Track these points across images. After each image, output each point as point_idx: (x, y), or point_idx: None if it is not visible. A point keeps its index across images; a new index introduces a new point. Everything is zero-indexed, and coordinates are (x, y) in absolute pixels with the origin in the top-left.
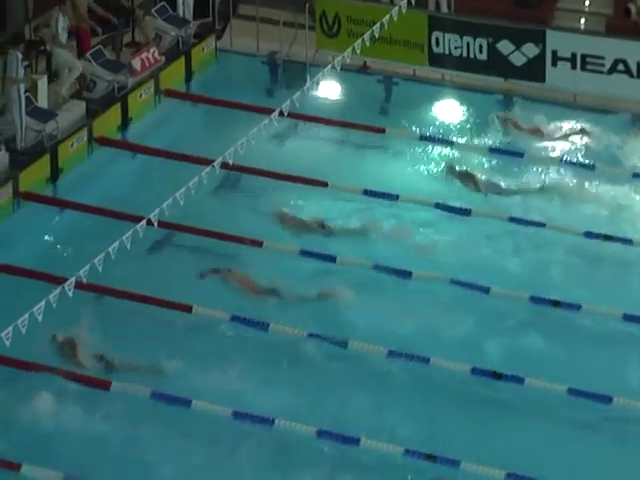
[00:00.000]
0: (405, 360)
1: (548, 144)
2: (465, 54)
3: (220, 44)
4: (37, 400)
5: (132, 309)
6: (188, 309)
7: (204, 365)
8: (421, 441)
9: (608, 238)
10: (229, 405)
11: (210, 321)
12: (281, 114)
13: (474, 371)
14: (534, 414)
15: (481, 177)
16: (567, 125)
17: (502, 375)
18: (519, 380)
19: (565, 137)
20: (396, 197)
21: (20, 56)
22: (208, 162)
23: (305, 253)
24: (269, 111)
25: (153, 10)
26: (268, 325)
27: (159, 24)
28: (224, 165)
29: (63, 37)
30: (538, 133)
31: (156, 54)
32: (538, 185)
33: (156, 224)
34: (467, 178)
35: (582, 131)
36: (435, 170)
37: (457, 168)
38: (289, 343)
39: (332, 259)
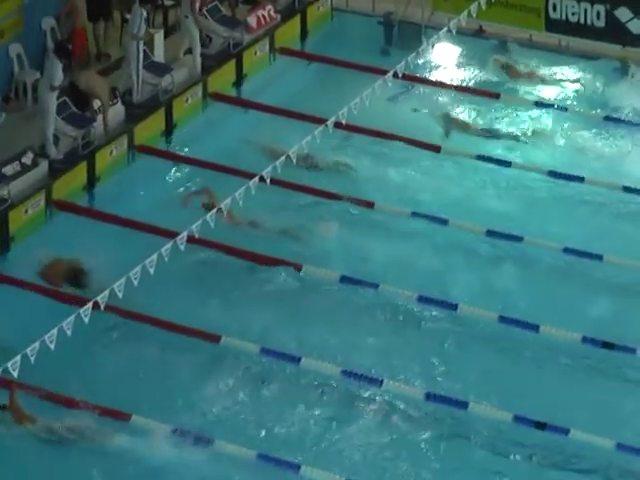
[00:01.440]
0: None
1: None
2: (582, 20)
3: (336, 3)
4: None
5: None
6: None
7: None
8: None
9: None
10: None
11: None
12: (395, 75)
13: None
14: None
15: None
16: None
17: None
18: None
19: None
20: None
21: (144, 13)
22: (321, 121)
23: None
24: (383, 72)
25: None
26: None
27: None
28: (337, 124)
29: None
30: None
31: (272, 12)
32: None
33: (268, 181)
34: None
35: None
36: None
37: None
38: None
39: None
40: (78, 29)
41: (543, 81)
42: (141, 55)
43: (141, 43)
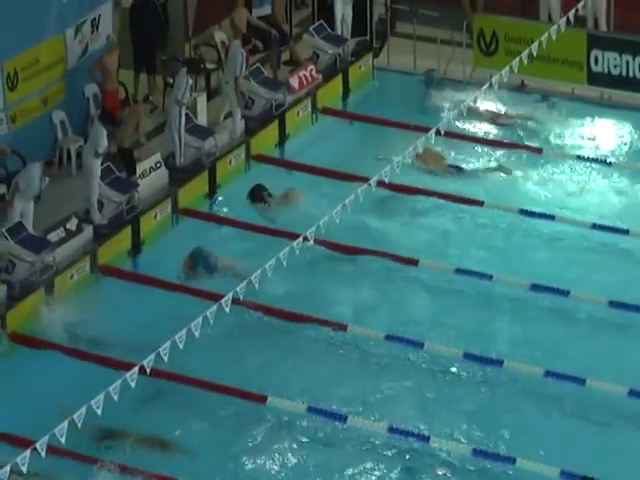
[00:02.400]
0: None
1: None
2: (624, 73)
3: (377, 62)
4: None
5: None
6: None
7: None
8: None
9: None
10: None
11: None
12: (437, 133)
13: None
14: None
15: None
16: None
17: None
18: None
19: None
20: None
21: (190, 80)
22: (364, 180)
23: None
24: (425, 130)
25: (311, 28)
26: None
27: (316, 42)
28: (380, 183)
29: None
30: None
31: (314, 72)
32: None
33: (312, 241)
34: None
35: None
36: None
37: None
38: None
39: None
40: (109, 91)
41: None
42: (183, 119)
43: (184, 108)
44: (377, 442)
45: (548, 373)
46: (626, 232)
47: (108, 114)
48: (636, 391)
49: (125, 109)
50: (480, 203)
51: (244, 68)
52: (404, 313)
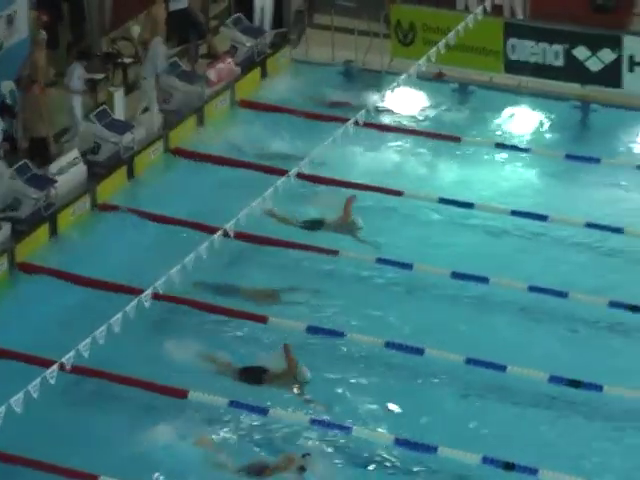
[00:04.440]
0: None
1: None
2: (541, 60)
3: (295, 54)
4: None
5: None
6: None
7: None
8: None
9: None
10: None
11: None
12: (356, 123)
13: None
14: None
15: None
16: None
17: None
18: None
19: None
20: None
21: (82, 70)
22: (284, 172)
23: None
24: (344, 120)
25: (228, 21)
26: None
27: (234, 35)
28: (300, 175)
29: None
30: None
31: (232, 65)
32: None
33: (232, 234)
34: None
35: None
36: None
37: None
38: None
39: None
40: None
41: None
42: (79, 110)
43: (77, 97)
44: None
45: (469, 360)
46: (544, 218)
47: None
48: (556, 376)
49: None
50: (400, 193)
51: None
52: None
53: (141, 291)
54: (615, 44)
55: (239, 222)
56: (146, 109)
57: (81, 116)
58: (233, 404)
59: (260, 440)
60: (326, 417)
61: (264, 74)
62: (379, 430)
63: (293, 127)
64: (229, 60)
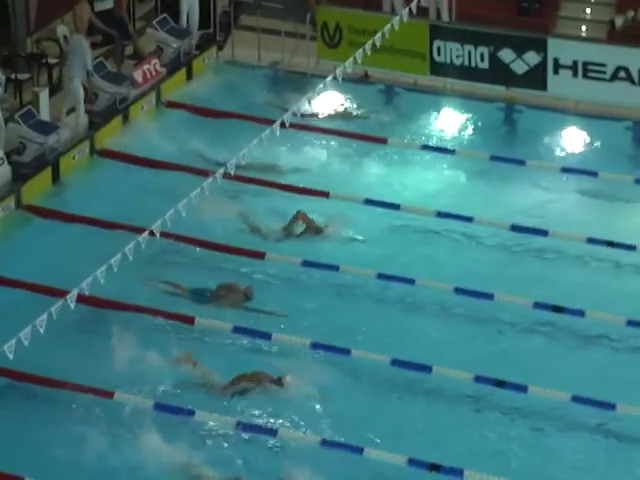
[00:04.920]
0: None
1: None
2: (466, 63)
3: (222, 55)
4: None
5: None
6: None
7: None
8: None
9: None
10: None
11: None
12: (282, 124)
13: None
14: None
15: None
16: None
17: None
18: None
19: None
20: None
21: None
22: (210, 173)
23: None
24: (270, 122)
25: (154, 22)
26: None
27: (160, 36)
28: (226, 175)
29: None
30: None
31: (157, 66)
32: None
33: (158, 234)
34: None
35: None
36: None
37: None
38: None
39: None
40: None
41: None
42: None
43: None
44: None
45: (395, 362)
46: (470, 219)
47: None
48: (481, 376)
49: None
50: (326, 194)
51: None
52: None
53: (66, 292)
54: (540, 47)
55: (165, 223)
56: (72, 110)
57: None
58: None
59: None
60: None
61: (190, 75)
62: (307, 433)
63: (219, 128)
64: (155, 61)
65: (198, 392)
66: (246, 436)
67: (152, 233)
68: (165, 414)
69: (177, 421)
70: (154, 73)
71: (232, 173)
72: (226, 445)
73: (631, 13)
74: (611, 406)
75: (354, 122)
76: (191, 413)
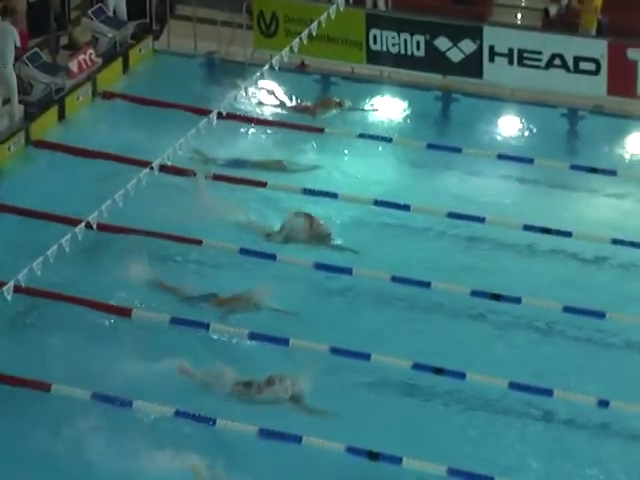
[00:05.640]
0: None
1: None
2: (403, 51)
3: (157, 45)
4: None
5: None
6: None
7: None
8: None
9: None
10: None
11: None
12: (219, 115)
13: None
14: None
15: None
16: None
17: None
18: None
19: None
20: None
21: None
22: (147, 164)
23: None
24: (207, 112)
25: (90, 12)
26: None
27: (95, 26)
28: (163, 167)
29: None
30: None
31: (93, 56)
32: None
33: (95, 226)
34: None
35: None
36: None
37: None
38: None
39: None
40: None
41: (367, 113)
42: None
43: None
44: None
45: (334, 350)
46: (407, 208)
47: None
48: (419, 364)
49: None
50: (264, 184)
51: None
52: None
53: (3, 283)
54: (476, 35)
55: (102, 213)
56: (7, 101)
57: None
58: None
59: None
60: None
61: (126, 65)
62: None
63: (155, 118)
64: (91, 51)
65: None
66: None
67: (89, 225)
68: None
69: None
70: (90, 63)
71: (169, 165)
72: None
73: (565, 1)
74: (549, 392)
75: (291, 111)
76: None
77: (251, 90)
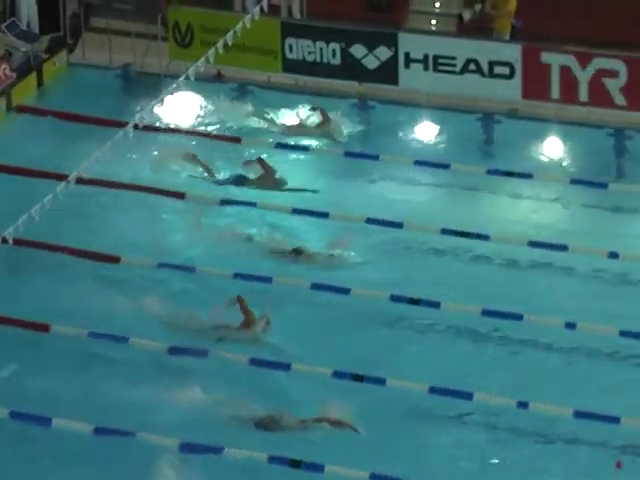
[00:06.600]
0: None
1: None
2: (319, 59)
3: (72, 58)
4: None
5: None
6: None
7: None
8: None
9: None
10: None
11: None
12: (135, 127)
13: None
14: None
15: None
16: None
17: None
18: None
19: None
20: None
21: None
22: (63, 177)
23: None
24: (123, 124)
25: (3, 26)
26: None
27: (8, 40)
28: (79, 180)
29: None
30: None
31: (7, 70)
32: None
33: (11, 241)
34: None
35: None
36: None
37: None
38: None
39: None
40: None
41: (284, 122)
42: None
43: None
44: None
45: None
46: (325, 215)
47: None
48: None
49: None
50: (182, 195)
51: None
52: None
53: None
54: (391, 41)
55: (18, 229)
56: None
57: None
58: None
59: None
60: None
61: (40, 79)
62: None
63: (71, 132)
64: (4, 66)
65: None
66: None
67: (4, 240)
68: None
69: None
70: (3, 78)
71: (85, 177)
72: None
73: (478, 6)
74: (469, 395)
75: (208, 122)
76: None
77: (168, 101)
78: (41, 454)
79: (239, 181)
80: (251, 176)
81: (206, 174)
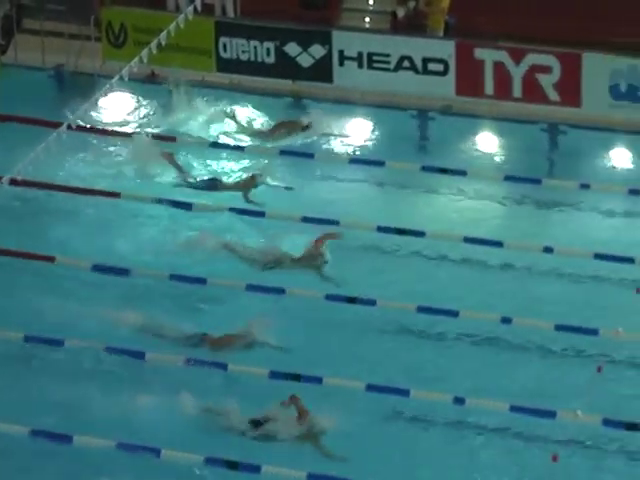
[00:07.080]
0: None
1: None
2: (253, 58)
3: (5, 59)
4: None
5: None
6: None
7: None
8: None
9: None
10: None
11: None
12: (69, 127)
13: None
14: None
15: None
16: None
17: None
18: None
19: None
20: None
21: None
22: None
23: None
24: (57, 125)
25: None
26: None
27: None
28: (13, 181)
29: None
30: None
31: None
32: None
33: None
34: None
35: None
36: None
37: None
38: None
39: None
40: None
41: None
42: None
43: None
44: None
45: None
46: (262, 214)
47: None
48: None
49: None
50: (117, 195)
51: None
52: None
53: None
54: (325, 39)
55: None
56: None
57: None
58: None
59: None
60: None
61: None
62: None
63: (4, 133)
64: None
65: None
66: None
67: None
68: None
69: None
70: None
71: (19, 178)
72: None
73: (412, 3)
74: (406, 392)
75: (141, 122)
76: None
77: (101, 101)
78: None
79: (212, 186)
80: (224, 179)
81: (179, 176)
